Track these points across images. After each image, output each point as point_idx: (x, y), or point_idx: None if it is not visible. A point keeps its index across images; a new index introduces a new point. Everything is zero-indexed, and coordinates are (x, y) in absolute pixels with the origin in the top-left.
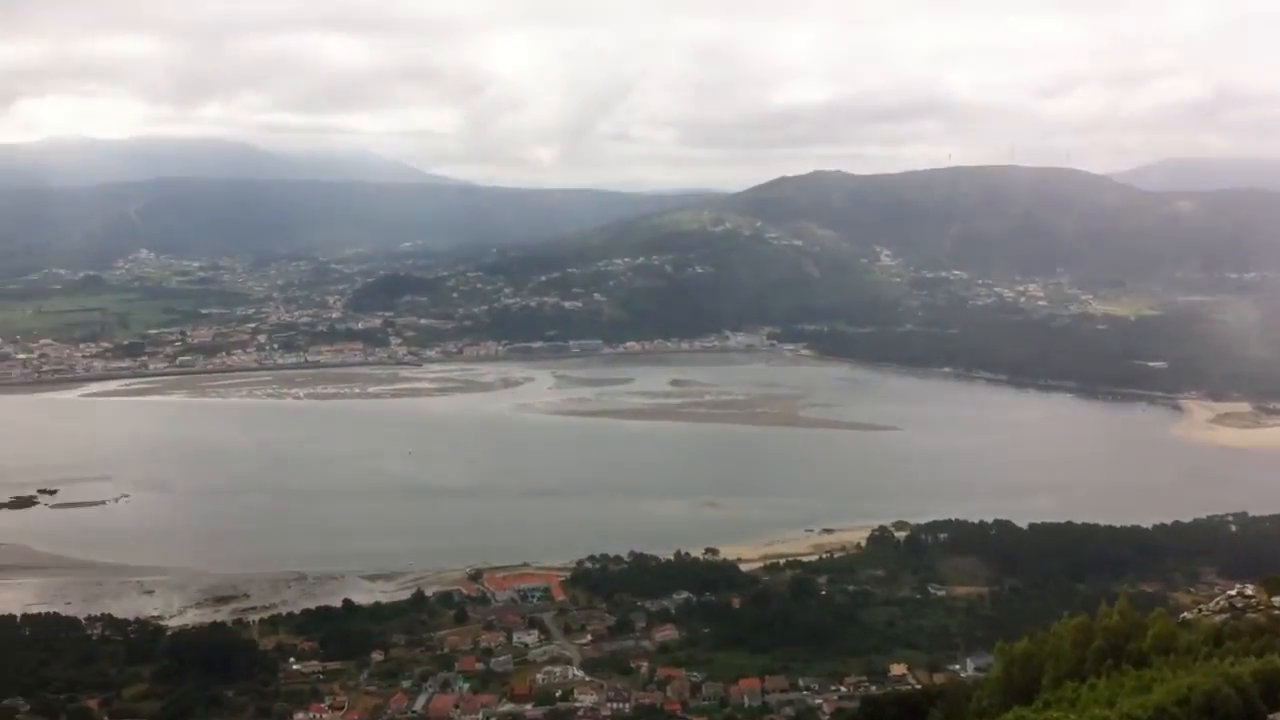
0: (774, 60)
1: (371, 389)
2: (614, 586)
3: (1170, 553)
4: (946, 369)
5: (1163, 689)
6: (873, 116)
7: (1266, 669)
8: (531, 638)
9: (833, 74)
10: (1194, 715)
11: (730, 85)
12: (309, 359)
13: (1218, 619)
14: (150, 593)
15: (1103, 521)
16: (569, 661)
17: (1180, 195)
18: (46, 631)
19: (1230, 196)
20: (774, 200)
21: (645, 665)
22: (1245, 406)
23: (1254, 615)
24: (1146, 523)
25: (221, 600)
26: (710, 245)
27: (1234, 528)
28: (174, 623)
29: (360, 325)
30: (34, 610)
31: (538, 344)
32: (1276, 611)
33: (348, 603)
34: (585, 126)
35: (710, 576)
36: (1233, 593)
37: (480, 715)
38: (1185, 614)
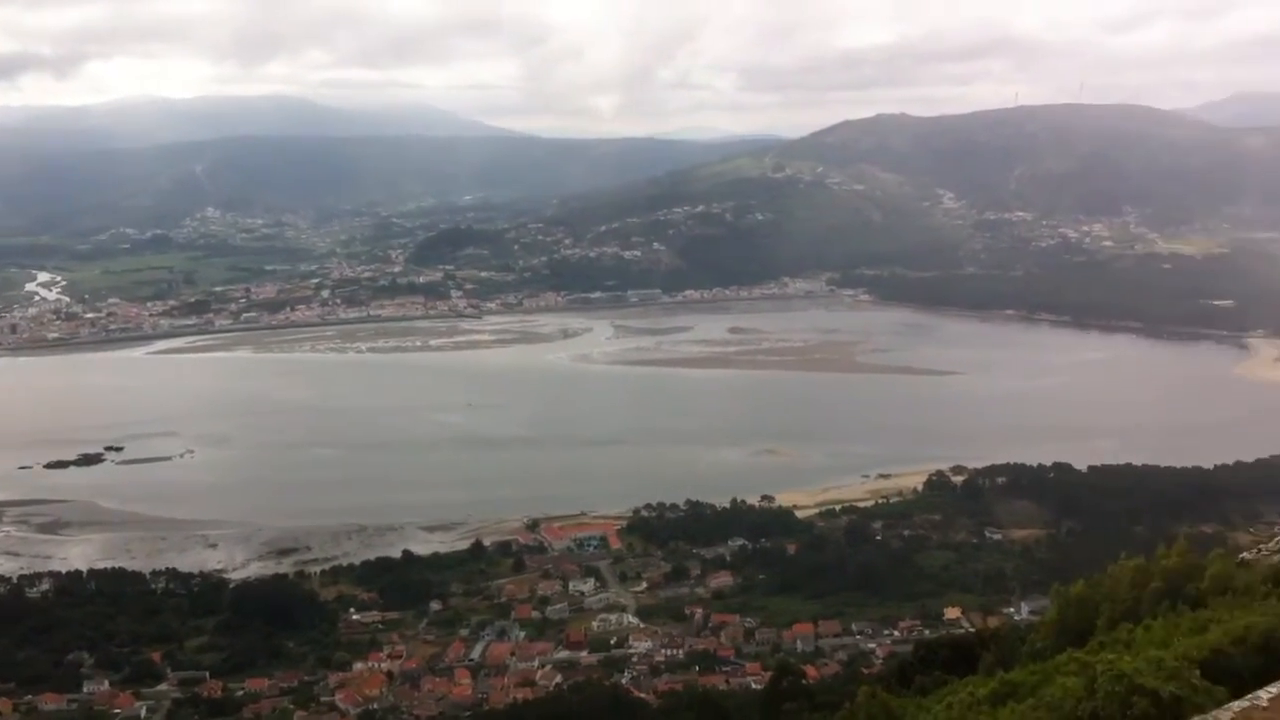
0: (837, 2)
1: (432, 342)
2: (670, 534)
3: (1230, 493)
4: (1009, 311)
5: (1219, 629)
6: (938, 57)
7: None
8: (587, 586)
9: (897, 14)
10: (1250, 654)
11: (793, 28)
12: (371, 313)
13: (1277, 558)
14: (214, 546)
15: (1163, 463)
16: (624, 609)
17: (1252, 131)
18: (112, 586)
19: None
20: (836, 144)
21: (700, 612)
22: None
23: None
24: (1208, 463)
25: (284, 553)
26: (771, 191)
27: None
28: (237, 575)
29: (421, 279)
30: (100, 565)
31: (597, 294)
32: None
33: (407, 553)
34: (645, 74)
35: (766, 523)
36: None
37: (536, 662)
38: (1244, 554)
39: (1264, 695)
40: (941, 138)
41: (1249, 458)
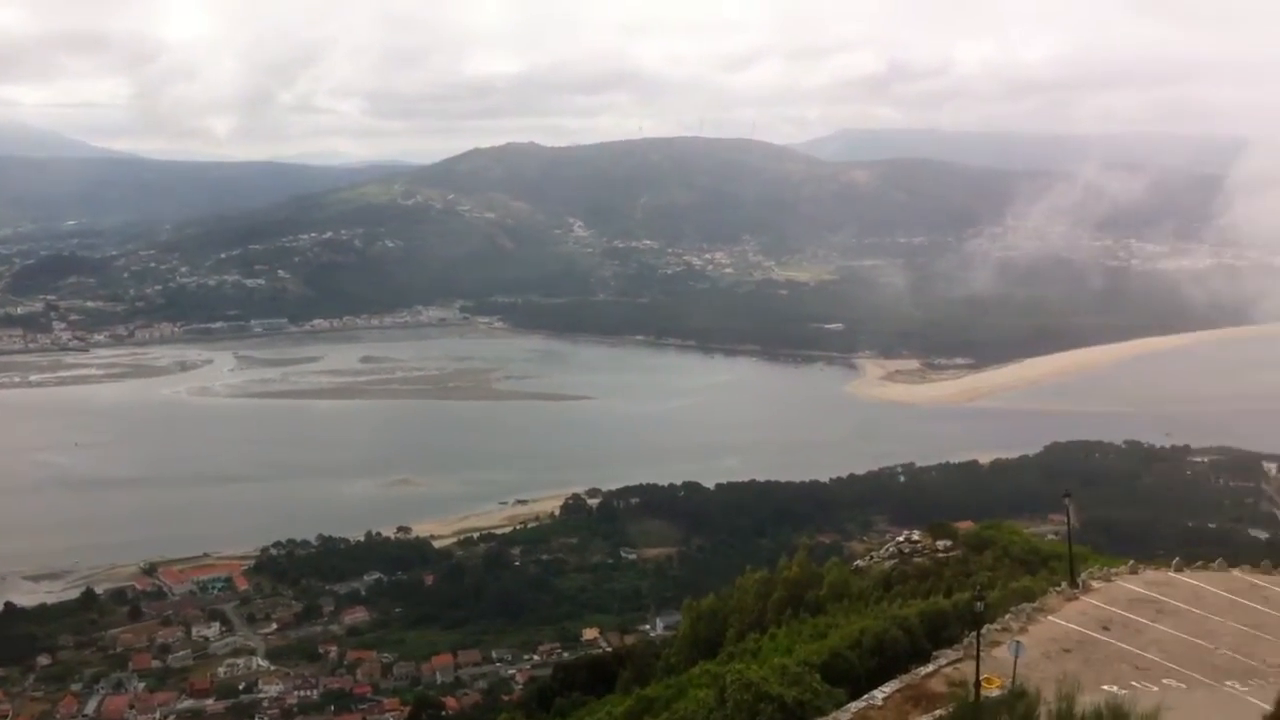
0: (465, 29)
1: (32, 377)
2: (301, 572)
3: (846, 504)
4: (639, 337)
5: (837, 634)
6: (565, 88)
7: (930, 610)
8: (212, 630)
9: (525, 44)
10: (865, 657)
11: (420, 54)
12: None
13: (887, 565)
14: None
15: (784, 478)
16: (253, 652)
17: (855, 165)
18: None
19: (901, 165)
20: (467, 172)
21: (334, 650)
22: (914, 363)
23: (920, 560)
24: (824, 477)
25: None
26: (401, 218)
27: (902, 478)
28: None
29: (19, 310)
30: None
31: (217, 324)
32: (940, 555)
33: (9, 605)
34: (265, 96)
35: (402, 555)
36: (901, 539)
37: (157, 714)
38: (859, 562)
39: (879, 695)
40: (571, 167)
41: (861, 470)
